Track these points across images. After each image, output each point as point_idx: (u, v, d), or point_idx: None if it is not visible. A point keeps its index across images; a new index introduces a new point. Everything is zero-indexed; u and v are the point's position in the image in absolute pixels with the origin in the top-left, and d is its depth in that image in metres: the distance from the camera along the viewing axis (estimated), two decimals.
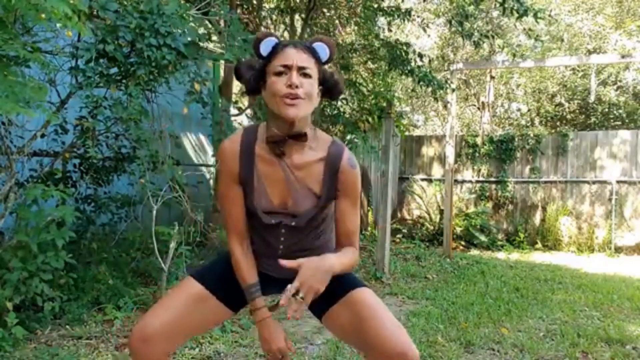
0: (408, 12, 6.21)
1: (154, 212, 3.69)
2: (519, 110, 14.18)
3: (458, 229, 8.40)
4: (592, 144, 8.59)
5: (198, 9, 3.61)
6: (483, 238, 8.40)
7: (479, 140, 9.26)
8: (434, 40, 12.12)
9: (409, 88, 11.62)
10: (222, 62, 5.15)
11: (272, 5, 6.88)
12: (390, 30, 7.37)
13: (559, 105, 12.66)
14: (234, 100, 5.60)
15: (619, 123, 11.95)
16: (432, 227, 8.74)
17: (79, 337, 3.10)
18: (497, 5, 5.63)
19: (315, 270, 1.47)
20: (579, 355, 3.17)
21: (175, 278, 3.82)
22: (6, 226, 3.17)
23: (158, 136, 3.81)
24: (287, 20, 7.00)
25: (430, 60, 7.13)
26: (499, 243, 8.63)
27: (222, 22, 3.98)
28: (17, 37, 2.56)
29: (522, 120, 13.66)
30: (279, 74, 1.51)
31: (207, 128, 5.03)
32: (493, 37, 7.43)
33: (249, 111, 5.71)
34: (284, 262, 1.48)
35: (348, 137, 5.74)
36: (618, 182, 8.33)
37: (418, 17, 7.09)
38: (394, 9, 6.22)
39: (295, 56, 1.51)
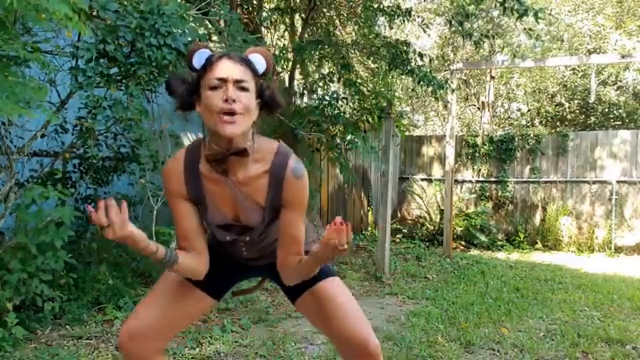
0: (408, 11, 6.21)
1: (154, 212, 3.69)
2: (519, 110, 14.17)
3: (458, 229, 8.40)
4: (592, 144, 8.59)
5: (198, 9, 3.61)
6: (483, 238, 8.40)
7: (479, 140, 9.25)
8: (434, 40, 12.12)
9: (409, 88, 11.63)
10: None
11: (272, 5, 6.88)
12: (391, 28, 7.37)
13: (559, 105, 12.66)
14: None
15: (619, 123, 11.95)
16: (432, 227, 8.74)
17: (79, 337, 3.10)
18: (497, 5, 5.63)
19: None
20: (579, 355, 3.17)
21: None
22: (6, 226, 3.17)
23: (158, 136, 3.81)
24: (287, 20, 7.00)
25: (430, 60, 7.12)
26: (499, 243, 8.63)
27: (222, 22, 3.98)
28: (17, 37, 2.56)
29: (522, 120, 13.66)
30: (214, 88, 1.43)
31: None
32: (493, 37, 7.43)
33: None
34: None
35: (348, 137, 5.73)
36: (618, 182, 8.32)
37: (418, 16, 7.09)
38: (394, 8, 6.22)
39: (231, 68, 1.44)
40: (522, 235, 8.69)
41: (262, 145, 1.56)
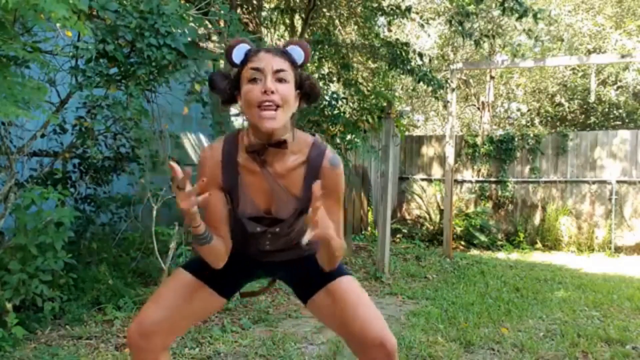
0: (408, 9, 6.21)
1: (154, 212, 3.69)
2: (519, 110, 14.18)
3: (458, 229, 8.40)
4: (592, 143, 8.59)
5: (198, 9, 3.60)
6: (483, 238, 8.40)
7: (479, 140, 9.26)
8: (434, 40, 12.12)
9: (409, 88, 11.63)
10: (222, 62, 5.15)
11: (272, 5, 6.88)
12: (390, 30, 7.37)
13: (559, 105, 12.66)
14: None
15: (619, 123, 11.95)
16: (432, 227, 8.74)
17: (79, 337, 3.10)
18: (497, 5, 5.64)
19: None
20: (579, 355, 3.17)
21: None
22: (6, 226, 3.16)
23: (158, 136, 3.81)
24: (287, 20, 7.00)
25: (430, 60, 7.13)
26: (499, 243, 8.63)
27: (222, 22, 3.98)
28: (17, 37, 2.56)
29: (522, 120, 13.66)
30: (253, 80, 1.45)
31: (207, 128, 5.03)
32: (493, 36, 7.43)
33: None
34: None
35: (348, 137, 5.73)
36: (618, 182, 8.33)
37: (417, 14, 7.09)
38: (394, 7, 6.22)
39: (269, 60, 1.46)
40: (522, 235, 8.69)
41: (300, 137, 1.58)
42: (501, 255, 7.87)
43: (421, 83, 5.94)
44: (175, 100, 3.88)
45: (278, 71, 1.46)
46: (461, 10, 6.32)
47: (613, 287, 5.27)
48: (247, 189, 1.58)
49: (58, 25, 2.55)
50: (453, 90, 7.26)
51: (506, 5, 5.35)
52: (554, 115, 12.69)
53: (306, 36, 6.31)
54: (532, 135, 9.05)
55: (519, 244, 8.59)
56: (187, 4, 3.71)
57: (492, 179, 9.11)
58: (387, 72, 7.15)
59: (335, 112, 5.58)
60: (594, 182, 8.51)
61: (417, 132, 13.68)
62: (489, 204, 9.06)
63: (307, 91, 1.56)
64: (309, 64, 6.47)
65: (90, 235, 4.25)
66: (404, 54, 5.99)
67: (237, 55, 1.51)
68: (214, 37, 4.44)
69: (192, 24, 3.48)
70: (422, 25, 7.24)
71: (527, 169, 8.95)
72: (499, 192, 9.03)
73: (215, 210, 1.59)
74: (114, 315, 3.42)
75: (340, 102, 5.55)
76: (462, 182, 9.28)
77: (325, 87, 6.19)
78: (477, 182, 9.21)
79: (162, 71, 3.25)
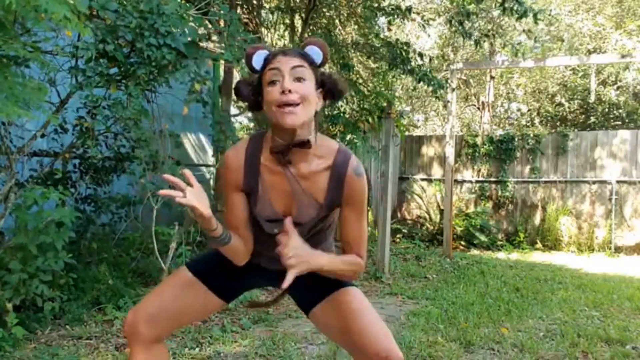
0: (408, 9, 6.21)
1: (154, 212, 3.69)
2: (519, 110, 14.18)
3: (458, 229, 8.39)
4: (592, 143, 8.59)
5: (198, 9, 3.60)
6: (483, 238, 8.40)
7: (479, 140, 9.26)
8: (434, 40, 12.12)
9: (409, 88, 11.63)
10: (222, 62, 5.15)
11: (272, 5, 6.88)
12: (389, 30, 7.37)
13: (559, 105, 12.66)
14: (234, 99, 5.60)
15: (619, 123, 11.95)
16: (432, 227, 8.74)
17: (79, 337, 3.10)
18: (497, 5, 5.64)
19: (303, 250, 1.49)
20: (579, 355, 3.17)
21: None
22: (6, 226, 3.17)
23: (158, 136, 3.81)
24: (287, 20, 7.00)
25: (430, 60, 7.13)
26: (499, 243, 8.63)
27: (222, 22, 3.98)
28: (17, 37, 2.56)
29: (522, 120, 13.66)
30: (272, 83, 1.47)
31: (207, 128, 5.03)
32: (493, 36, 7.43)
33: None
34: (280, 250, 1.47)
35: (348, 137, 5.73)
36: (618, 182, 8.32)
37: (417, 14, 7.08)
38: (394, 7, 6.22)
39: (286, 61, 1.47)
40: (522, 235, 8.69)
41: (325, 142, 1.58)
42: (501, 255, 7.87)
43: (421, 83, 5.94)
44: (175, 100, 3.88)
45: (295, 69, 1.47)
46: (461, 10, 6.32)
47: (613, 287, 5.27)
48: (267, 190, 1.58)
49: (58, 25, 2.55)
50: (453, 90, 7.26)
51: (506, 5, 5.35)
52: (554, 115, 12.68)
53: (306, 36, 6.31)
54: (532, 135, 9.05)
55: (519, 244, 8.59)
56: (187, 4, 3.71)
57: (492, 179, 9.11)
58: (387, 72, 7.14)
59: (335, 112, 5.58)
60: (594, 182, 8.51)
61: (417, 132, 13.68)
62: (489, 204, 9.06)
63: (329, 88, 1.56)
64: None
65: (90, 235, 4.25)
66: (404, 54, 5.99)
67: (257, 61, 1.52)
68: (214, 37, 4.44)
69: (192, 24, 3.48)
70: (423, 26, 7.24)
71: (527, 169, 8.95)
72: (499, 192, 9.03)
73: (237, 212, 1.60)
74: (114, 315, 3.42)
75: (340, 102, 5.55)
76: (462, 182, 9.28)
77: None
78: (477, 182, 9.21)
79: (162, 71, 3.25)
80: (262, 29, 6.43)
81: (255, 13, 6.18)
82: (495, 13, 9.13)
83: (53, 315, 3.25)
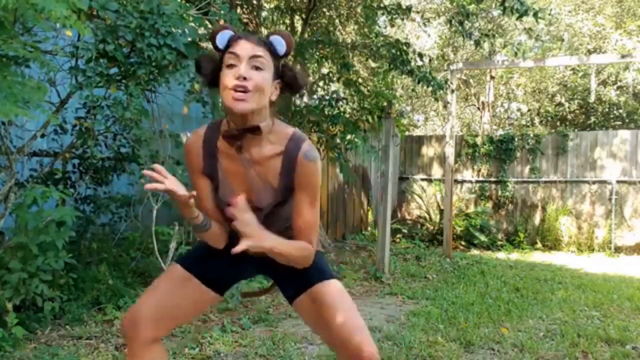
0: (408, 8, 6.21)
1: (154, 212, 3.69)
2: (519, 110, 14.18)
3: (458, 229, 8.40)
4: (592, 143, 8.59)
5: (198, 9, 3.60)
6: (483, 238, 8.40)
7: (479, 140, 9.26)
8: (434, 40, 12.12)
9: (409, 88, 11.63)
10: None
11: (272, 5, 6.88)
12: (392, 26, 7.36)
13: (559, 105, 12.66)
14: None
15: (619, 123, 11.95)
16: (432, 227, 8.74)
17: (79, 337, 3.10)
18: (498, 4, 5.64)
19: (256, 226, 1.55)
20: (579, 355, 3.17)
21: None
22: (6, 226, 3.16)
23: (158, 136, 3.81)
24: (287, 20, 7.00)
25: (430, 60, 7.13)
26: (499, 243, 8.63)
27: (222, 22, 3.98)
28: (17, 37, 2.56)
29: (522, 120, 13.66)
30: (230, 66, 1.49)
31: None
32: (494, 36, 7.43)
33: None
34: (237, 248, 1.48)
35: (348, 137, 5.73)
36: (618, 182, 8.33)
37: (417, 13, 7.08)
38: (394, 6, 6.22)
39: (247, 47, 1.49)
40: (522, 235, 8.69)
41: (280, 129, 1.60)
42: (501, 255, 7.87)
43: (421, 84, 5.94)
44: (175, 100, 3.88)
45: (254, 58, 1.49)
46: (461, 10, 6.32)
47: (613, 287, 5.27)
48: (226, 175, 1.62)
49: (58, 24, 2.54)
50: (453, 90, 7.26)
51: (507, 4, 5.35)
52: (554, 115, 12.69)
53: (306, 36, 6.31)
54: (532, 135, 9.05)
55: (519, 244, 8.59)
56: (187, 4, 3.71)
57: (492, 179, 9.11)
58: (387, 72, 7.15)
59: (335, 112, 5.58)
60: (594, 182, 8.51)
61: (417, 132, 13.68)
62: (489, 204, 9.06)
63: (288, 81, 1.58)
64: (309, 64, 6.48)
65: (90, 235, 4.24)
66: (403, 54, 5.99)
67: (221, 40, 1.54)
68: None
69: (192, 24, 3.48)
70: (424, 25, 7.24)
71: (527, 169, 8.95)
72: (499, 192, 9.03)
73: (203, 196, 1.65)
74: (114, 315, 3.42)
75: (340, 102, 5.55)
76: (462, 182, 9.28)
77: (325, 87, 6.19)
78: (477, 182, 9.21)
79: (162, 71, 3.25)
80: (262, 29, 6.42)
81: (255, 13, 6.18)
82: (496, 13, 9.14)
83: (53, 315, 3.25)
